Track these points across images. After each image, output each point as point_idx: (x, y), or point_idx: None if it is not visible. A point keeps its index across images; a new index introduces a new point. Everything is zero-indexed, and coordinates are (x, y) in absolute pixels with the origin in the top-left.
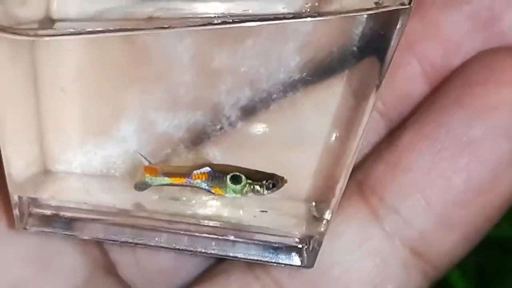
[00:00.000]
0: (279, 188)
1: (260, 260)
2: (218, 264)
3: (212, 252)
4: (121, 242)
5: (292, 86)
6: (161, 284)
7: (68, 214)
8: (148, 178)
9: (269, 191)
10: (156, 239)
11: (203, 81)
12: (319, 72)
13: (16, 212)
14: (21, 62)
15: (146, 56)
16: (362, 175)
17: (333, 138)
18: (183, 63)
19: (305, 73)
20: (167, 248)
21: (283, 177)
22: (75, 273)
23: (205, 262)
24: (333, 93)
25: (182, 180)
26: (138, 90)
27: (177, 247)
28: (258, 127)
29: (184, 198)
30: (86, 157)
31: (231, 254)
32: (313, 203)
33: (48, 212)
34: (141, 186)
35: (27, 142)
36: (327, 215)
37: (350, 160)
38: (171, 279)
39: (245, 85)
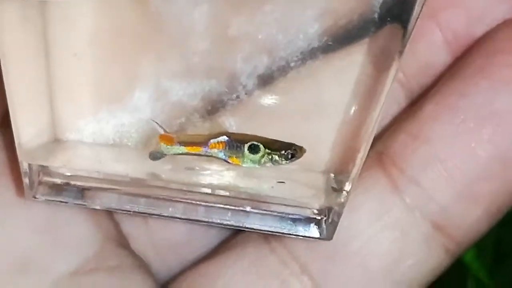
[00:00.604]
0: (298, 158)
1: (277, 232)
2: (233, 237)
3: (228, 223)
4: (134, 212)
5: (311, 54)
6: (174, 257)
7: (79, 183)
8: (163, 147)
9: (287, 161)
10: (170, 209)
11: (219, 49)
12: (339, 39)
13: (26, 180)
14: (31, 26)
15: (161, 22)
16: (382, 145)
17: (353, 107)
18: (199, 30)
19: (324, 41)
20: (181, 219)
21: (302, 147)
22: (86, 245)
23: (219, 235)
24: (353, 62)
25: (199, 149)
26: (152, 57)
27: (192, 217)
28: (276, 96)
29: (198, 168)
30: (98, 125)
31: (247, 225)
32: (332, 175)
33: (58, 180)
34: (156, 155)
35: (37, 109)
36: (347, 187)
37: (371, 131)
38: (185, 252)
39: (262, 53)
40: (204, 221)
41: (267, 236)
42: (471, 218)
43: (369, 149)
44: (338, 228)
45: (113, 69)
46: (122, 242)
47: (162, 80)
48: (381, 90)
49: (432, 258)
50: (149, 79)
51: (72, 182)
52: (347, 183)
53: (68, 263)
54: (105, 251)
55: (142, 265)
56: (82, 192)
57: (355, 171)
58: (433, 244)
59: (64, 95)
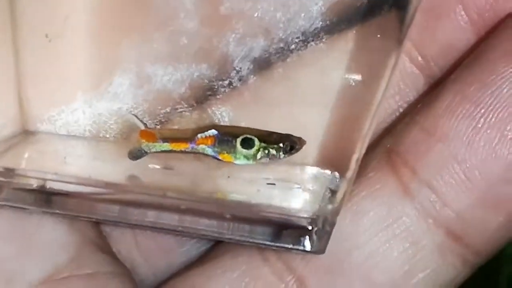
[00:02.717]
0: (297, 151)
1: (263, 244)
2: (223, 241)
3: (205, 233)
4: (104, 220)
5: (313, 35)
6: (161, 261)
7: (45, 186)
8: (144, 144)
9: (286, 155)
10: (144, 217)
11: (209, 28)
12: (346, 19)
13: None
14: None
15: None
16: (392, 141)
17: (355, 94)
18: (186, 6)
19: (329, 20)
20: (151, 228)
21: (300, 138)
22: (59, 250)
23: None
24: (359, 44)
25: (185, 146)
26: (134, 38)
27: (165, 227)
28: (273, 83)
29: (177, 168)
30: (73, 115)
31: (227, 236)
32: (328, 172)
33: (20, 182)
34: (136, 154)
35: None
36: (344, 187)
37: (369, 124)
38: (172, 256)
39: (258, 34)
40: (178, 231)
41: None
42: (492, 225)
43: (378, 144)
44: (340, 237)
45: (89, 52)
46: (102, 245)
47: (145, 65)
48: (382, 75)
49: (447, 270)
50: (130, 64)
51: (37, 185)
52: (343, 183)
53: (37, 270)
54: (81, 257)
55: (123, 272)
56: (47, 196)
57: (351, 170)
58: (448, 254)
59: (34, 82)
